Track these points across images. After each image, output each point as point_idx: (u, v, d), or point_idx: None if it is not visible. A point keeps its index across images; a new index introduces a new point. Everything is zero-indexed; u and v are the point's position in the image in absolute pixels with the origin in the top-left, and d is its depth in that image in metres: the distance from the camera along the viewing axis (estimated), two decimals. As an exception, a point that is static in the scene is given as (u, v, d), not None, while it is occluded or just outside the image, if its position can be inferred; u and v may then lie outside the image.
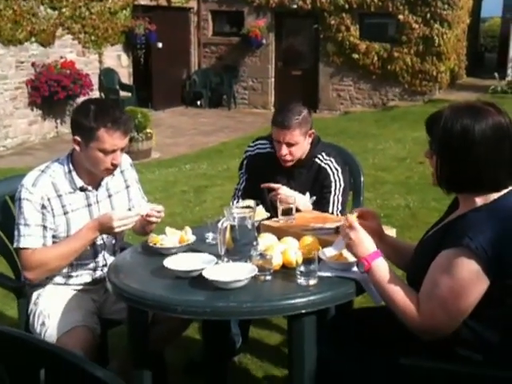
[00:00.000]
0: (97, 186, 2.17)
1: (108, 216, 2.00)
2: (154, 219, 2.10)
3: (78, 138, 2.04)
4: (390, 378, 1.70)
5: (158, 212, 2.11)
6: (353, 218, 1.80)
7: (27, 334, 1.80)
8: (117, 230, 1.99)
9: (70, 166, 2.11)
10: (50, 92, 9.21)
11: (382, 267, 1.70)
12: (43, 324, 2.06)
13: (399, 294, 1.65)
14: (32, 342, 1.24)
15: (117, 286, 1.81)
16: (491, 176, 1.59)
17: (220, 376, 2.36)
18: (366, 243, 1.74)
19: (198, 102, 12.92)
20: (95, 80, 10.42)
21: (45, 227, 2.05)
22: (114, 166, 2.08)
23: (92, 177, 2.13)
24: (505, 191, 1.62)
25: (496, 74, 12.49)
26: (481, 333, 1.59)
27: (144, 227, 2.21)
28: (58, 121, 9.82)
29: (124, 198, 2.26)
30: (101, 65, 10.74)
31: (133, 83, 11.43)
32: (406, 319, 1.63)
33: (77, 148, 2.06)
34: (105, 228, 2.01)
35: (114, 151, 2.03)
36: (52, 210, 2.06)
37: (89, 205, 2.14)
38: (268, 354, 2.72)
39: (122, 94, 10.81)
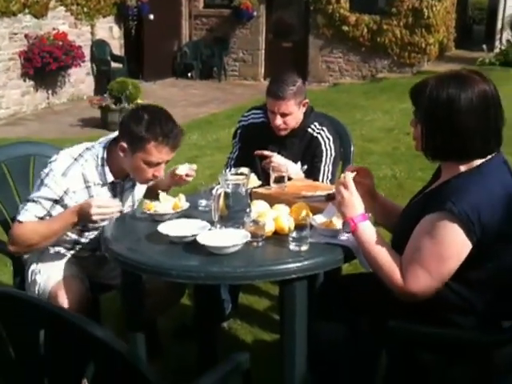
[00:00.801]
0: (124, 178, 2.15)
1: (87, 202, 1.95)
2: (190, 178, 2.18)
3: (124, 145, 1.99)
4: (375, 342, 1.76)
5: (193, 170, 2.18)
6: (349, 177, 1.80)
7: (23, 292, 1.84)
8: (94, 217, 1.92)
9: (104, 160, 2.06)
10: (42, 63, 9.27)
11: (367, 230, 1.72)
12: (35, 281, 2.09)
13: (384, 257, 1.68)
14: (30, 301, 1.27)
15: (112, 251, 1.83)
16: (477, 144, 1.61)
17: (210, 340, 2.42)
18: (356, 204, 1.75)
19: (189, 74, 12.86)
20: (87, 51, 10.48)
21: (50, 215, 2.02)
22: (155, 178, 2.07)
23: (124, 172, 2.11)
24: (489, 156, 1.65)
25: (484, 46, 12.50)
26: (464, 295, 1.63)
27: (161, 187, 2.22)
28: (50, 92, 9.85)
29: (143, 188, 2.26)
30: (93, 36, 10.75)
31: (124, 54, 11.44)
32: (390, 282, 1.66)
33: (121, 154, 2.01)
34: (83, 213, 1.93)
35: (158, 164, 2.02)
36: (76, 202, 2.01)
37: (114, 195, 2.13)
38: (257, 319, 2.79)
39: (114, 65, 10.88)
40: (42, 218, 2.01)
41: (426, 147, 1.68)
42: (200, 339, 2.44)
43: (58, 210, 2.03)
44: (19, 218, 2.01)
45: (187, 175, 2.17)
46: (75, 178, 2.03)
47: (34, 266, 2.16)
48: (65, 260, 2.17)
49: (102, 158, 2.07)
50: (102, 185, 2.09)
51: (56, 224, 2.00)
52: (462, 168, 1.64)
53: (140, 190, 2.25)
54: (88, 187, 2.06)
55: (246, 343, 2.61)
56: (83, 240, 2.20)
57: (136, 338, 1.93)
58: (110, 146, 2.08)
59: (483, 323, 1.67)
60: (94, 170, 2.07)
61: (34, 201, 2.01)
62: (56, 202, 2.01)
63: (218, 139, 6.86)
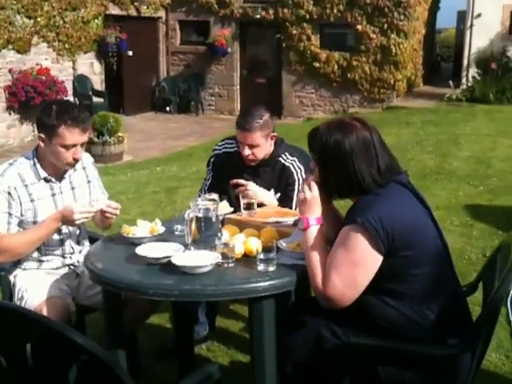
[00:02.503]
0: (60, 179, 2.36)
1: (70, 209, 2.19)
2: (109, 215, 2.28)
3: (42, 135, 2.25)
4: (342, 355, 1.87)
5: (115, 209, 2.28)
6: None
7: (9, 302, 1.95)
8: (77, 222, 2.20)
9: (35, 159, 2.31)
10: (26, 97, 9.49)
11: (315, 233, 1.86)
12: (22, 298, 2.25)
13: (314, 260, 1.83)
14: (16, 310, 1.39)
15: (93, 272, 1.97)
16: (368, 181, 1.80)
17: (189, 361, 2.53)
18: (315, 207, 1.90)
19: (168, 108, 13.13)
20: (69, 86, 10.74)
21: (10, 214, 2.23)
22: (75, 160, 2.29)
23: (55, 169, 2.33)
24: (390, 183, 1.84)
25: (451, 83, 12.96)
26: (400, 309, 1.78)
27: (103, 221, 2.41)
28: (35, 125, 9.90)
29: (85, 191, 2.46)
30: (74, 71, 11.02)
31: (105, 89, 11.70)
32: (313, 283, 1.82)
33: (41, 144, 2.26)
34: (66, 218, 2.19)
35: (74, 146, 2.23)
36: (19, 197, 2.25)
37: (53, 194, 2.34)
38: (233, 341, 2.90)
39: (95, 99, 11.13)
40: (10, 216, 2.22)
41: (329, 189, 1.88)
42: (180, 360, 2.54)
43: (14, 206, 2.23)
44: None
45: (103, 211, 2.26)
46: (13, 176, 2.26)
47: (20, 284, 2.31)
48: (50, 279, 2.32)
49: (33, 157, 2.32)
50: (38, 181, 2.31)
51: (40, 231, 2.23)
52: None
53: (81, 192, 2.43)
54: (25, 186, 2.28)
55: (223, 363, 2.71)
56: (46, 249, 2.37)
57: (117, 354, 2.04)
58: (38, 147, 2.32)
59: (430, 339, 1.79)
60: (29, 170, 2.31)
61: None
62: (9, 195, 2.22)
63: (198, 171, 7.02)
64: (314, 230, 1.88)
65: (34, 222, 2.28)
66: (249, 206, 2.36)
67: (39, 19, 10.06)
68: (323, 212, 1.91)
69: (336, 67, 12.13)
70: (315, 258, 1.84)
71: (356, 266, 1.75)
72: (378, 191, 1.81)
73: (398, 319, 1.81)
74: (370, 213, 1.74)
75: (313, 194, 1.90)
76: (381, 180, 1.83)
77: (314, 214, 1.89)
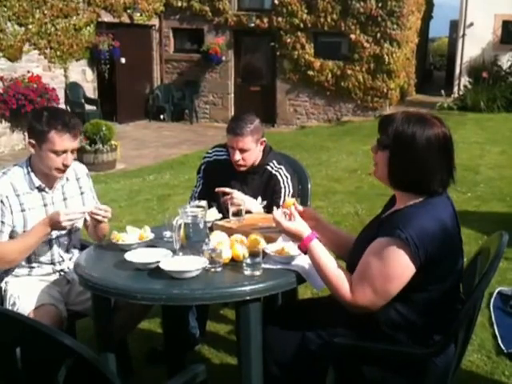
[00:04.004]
0: (52, 188, 2.38)
1: (56, 212, 2.23)
2: (99, 217, 2.28)
3: (32, 141, 2.28)
4: (326, 356, 1.91)
5: (105, 211, 2.28)
6: (290, 202, 2.06)
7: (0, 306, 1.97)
8: (64, 223, 2.20)
9: (29, 168, 2.34)
10: (17, 105, 9.47)
11: (317, 247, 1.89)
12: (14, 304, 2.28)
13: (332, 270, 1.84)
14: (7, 315, 1.43)
15: (83, 277, 2.00)
16: (433, 181, 1.78)
17: (180, 364, 2.56)
18: (302, 229, 1.94)
19: (161, 116, 13.15)
20: (61, 94, 10.69)
21: (3, 223, 2.27)
22: (65, 167, 2.31)
23: (47, 178, 2.35)
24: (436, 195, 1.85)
25: (442, 92, 13.06)
26: (406, 315, 1.81)
27: (96, 231, 2.42)
28: (26, 133, 9.88)
29: (78, 202, 2.48)
30: (66, 79, 11.00)
31: (98, 97, 11.66)
32: (338, 294, 1.82)
33: (32, 150, 2.29)
34: (53, 222, 2.21)
35: (64, 152, 2.26)
36: (10, 206, 2.27)
37: (45, 205, 2.36)
38: (223, 344, 2.95)
39: (88, 107, 11.09)
40: (2, 224, 2.25)
41: (390, 176, 1.84)
42: (170, 364, 2.58)
43: (6, 214, 2.26)
44: None
45: (92, 213, 2.27)
46: (5, 185, 2.28)
47: (12, 291, 2.35)
48: (41, 286, 2.35)
49: (27, 166, 2.34)
50: (31, 191, 2.33)
51: (30, 238, 2.25)
52: (414, 200, 1.83)
53: (73, 203, 2.44)
54: (17, 195, 2.30)
55: (213, 365, 2.76)
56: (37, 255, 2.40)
57: (107, 358, 2.08)
58: (31, 156, 2.35)
59: (420, 338, 1.84)
60: (23, 179, 2.33)
61: None
62: (2, 203, 2.25)
63: (190, 179, 7.05)
64: (315, 245, 1.90)
65: (24, 232, 2.31)
66: (237, 213, 2.41)
67: (30, 26, 10.05)
68: (315, 228, 1.96)
69: (330, 76, 12.21)
70: (332, 270, 1.85)
71: (391, 281, 1.75)
72: (427, 204, 1.80)
73: (401, 324, 1.83)
74: (413, 229, 1.72)
75: (296, 222, 1.95)
76: (442, 185, 1.81)
77: (303, 234, 1.93)
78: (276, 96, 12.84)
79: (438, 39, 22.23)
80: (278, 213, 2.02)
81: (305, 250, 1.92)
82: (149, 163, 8.91)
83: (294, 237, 1.97)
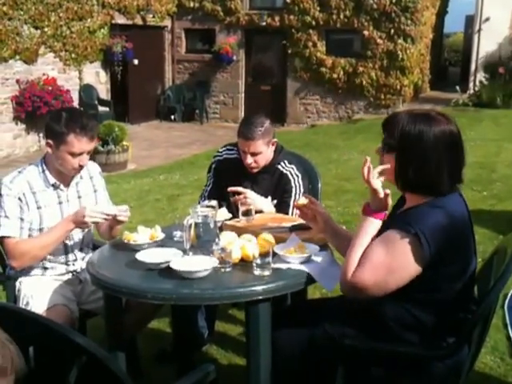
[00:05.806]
0: (67, 186, 2.43)
1: (82, 207, 2.30)
2: (122, 218, 2.33)
3: (50, 142, 2.32)
4: (335, 357, 1.91)
5: (125, 211, 2.33)
6: (302, 202, 2.09)
7: (10, 304, 2.01)
8: (87, 219, 2.26)
9: (44, 166, 2.39)
10: (33, 107, 9.64)
11: (372, 227, 1.84)
12: (27, 304, 2.32)
13: (360, 252, 1.80)
14: (21, 313, 1.45)
15: (95, 277, 2.03)
16: (443, 180, 1.75)
17: (189, 364, 2.58)
18: (387, 204, 1.88)
19: (172, 117, 13.24)
20: (75, 96, 10.87)
21: (22, 219, 2.32)
22: (81, 167, 2.37)
23: (62, 176, 2.40)
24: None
25: (457, 88, 12.94)
26: (418, 316, 1.80)
27: (111, 231, 2.46)
28: (41, 135, 10.12)
29: (92, 200, 2.52)
30: (80, 81, 11.16)
31: (110, 98, 11.81)
32: (344, 271, 1.80)
33: (49, 150, 2.34)
34: (78, 218, 2.27)
35: (81, 154, 2.31)
36: (27, 203, 2.32)
37: (60, 202, 2.42)
38: (231, 344, 2.95)
39: (101, 108, 11.23)
40: (22, 221, 2.30)
41: (399, 178, 1.82)
42: (179, 363, 2.61)
43: (25, 211, 2.30)
44: (1, 233, 2.28)
45: (116, 216, 2.31)
46: (21, 183, 2.34)
47: (25, 290, 2.38)
48: (54, 286, 2.39)
49: (42, 164, 2.39)
50: (46, 189, 2.38)
51: (54, 234, 2.31)
52: (424, 199, 1.81)
53: (87, 201, 2.50)
54: (33, 193, 2.35)
55: (221, 366, 2.77)
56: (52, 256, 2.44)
57: (117, 357, 2.10)
58: (46, 154, 2.40)
59: (430, 339, 1.83)
60: (38, 177, 2.38)
61: (5, 216, 2.29)
62: (20, 200, 2.30)
63: (200, 179, 7.08)
64: (375, 224, 1.85)
65: (40, 229, 2.35)
66: (247, 213, 2.42)
67: (46, 29, 10.22)
68: (323, 231, 1.97)
69: (342, 73, 12.13)
70: (360, 251, 1.81)
71: (392, 273, 1.74)
72: (439, 202, 1.77)
73: (412, 324, 1.81)
74: (425, 225, 1.70)
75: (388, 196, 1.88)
76: (452, 184, 1.79)
77: (382, 210, 1.88)
78: (286, 95, 12.82)
79: (453, 34, 22.01)
80: (378, 182, 1.89)
81: (369, 215, 1.86)
82: (159, 163, 8.97)
83: (378, 203, 1.88)
